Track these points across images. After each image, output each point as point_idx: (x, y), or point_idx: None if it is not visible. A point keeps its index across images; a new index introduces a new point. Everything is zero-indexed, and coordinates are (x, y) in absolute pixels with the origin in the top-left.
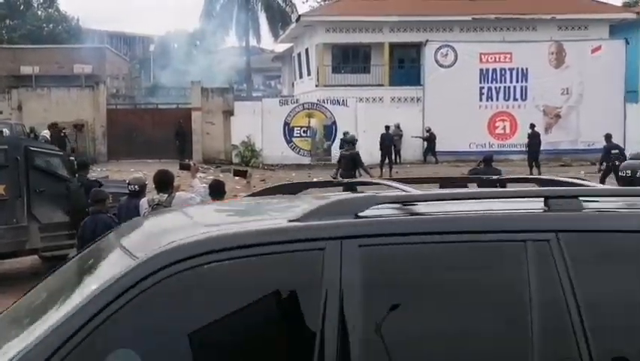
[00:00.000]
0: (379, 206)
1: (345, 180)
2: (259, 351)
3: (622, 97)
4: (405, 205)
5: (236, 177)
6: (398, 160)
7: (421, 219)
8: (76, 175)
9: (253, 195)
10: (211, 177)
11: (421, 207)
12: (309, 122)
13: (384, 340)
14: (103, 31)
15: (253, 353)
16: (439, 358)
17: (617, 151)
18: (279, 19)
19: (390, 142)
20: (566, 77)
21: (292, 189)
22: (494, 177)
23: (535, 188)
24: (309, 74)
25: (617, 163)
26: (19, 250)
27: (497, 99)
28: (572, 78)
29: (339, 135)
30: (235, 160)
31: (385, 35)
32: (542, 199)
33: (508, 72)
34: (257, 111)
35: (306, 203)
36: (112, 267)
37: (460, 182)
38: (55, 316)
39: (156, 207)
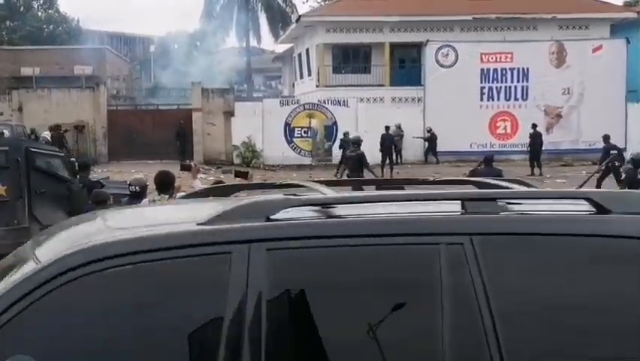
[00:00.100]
0: (294, 209)
1: (278, 183)
2: (160, 357)
3: (623, 97)
4: (319, 208)
5: (237, 178)
6: (399, 160)
7: (331, 223)
8: (78, 176)
9: (187, 196)
10: (212, 178)
11: (336, 210)
12: (309, 123)
13: (291, 346)
14: (103, 32)
15: (154, 359)
16: None
17: (615, 152)
18: (280, 19)
19: (390, 142)
20: (567, 77)
21: (225, 191)
22: (432, 178)
23: (453, 190)
24: (309, 74)
25: (616, 164)
26: None
27: (498, 99)
28: (572, 78)
29: (340, 135)
30: (236, 161)
31: (386, 35)
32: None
33: (509, 72)
34: (257, 112)
35: (220, 206)
36: (17, 273)
37: (397, 184)
38: None
39: None
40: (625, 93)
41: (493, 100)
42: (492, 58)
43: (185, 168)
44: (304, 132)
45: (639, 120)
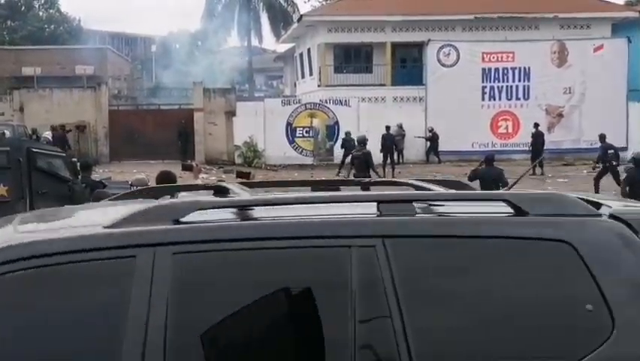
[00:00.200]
0: (207, 211)
1: (213, 184)
2: None
3: (624, 96)
4: (233, 210)
5: (239, 179)
6: (401, 160)
7: (240, 225)
8: (80, 176)
9: (116, 198)
10: (213, 178)
11: (250, 213)
12: (311, 123)
13: (196, 352)
14: (104, 32)
15: None
16: None
17: (612, 151)
18: (281, 19)
19: (391, 142)
20: (569, 76)
21: (158, 193)
22: (368, 179)
23: (371, 192)
24: (311, 74)
25: (613, 163)
26: None
27: (500, 99)
28: (574, 77)
29: (342, 135)
30: (238, 161)
31: (387, 35)
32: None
33: (510, 71)
34: (259, 112)
35: (133, 208)
36: None
37: (333, 185)
38: None
39: None
40: (626, 92)
41: (494, 99)
42: (493, 57)
43: (187, 168)
44: (306, 132)
45: None
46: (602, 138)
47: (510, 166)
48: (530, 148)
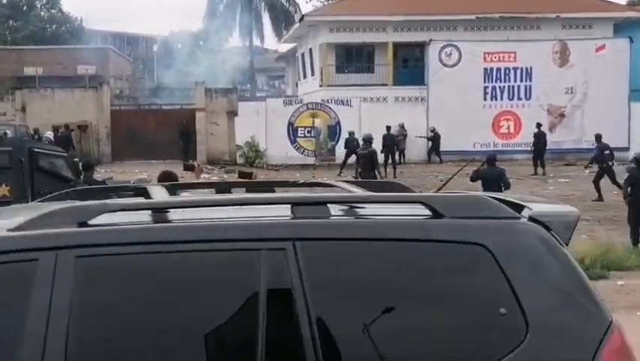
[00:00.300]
0: (115, 214)
1: (134, 185)
2: None
3: (626, 96)
4: (145, 213)
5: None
6: (403, 160)
7: (145, 228)
8: (82, 176)
9: (43, 200)
10: (215, 178)
11: (161, 215)
12: (313, 123)
13: (99, 357)
14: (106, 32)
15: None
16: None
17: (608, 152)
18: (283, 19)
19: (392, 142)
20: (570, 76)
21: (87, 195)
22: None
23: (286, 194)
24: (312, 74)
25: (610, 164)
26: None
27: (501, 98)
28: (576, 77)
29: (344, 135)
30: (239, 161)
31: (389, 35)
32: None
33: (512, 71)
34: (261, 111)
35: (38, 210)
36: None
37: (268, 186)
38: None
39: None
40: (628, 92)
41: (496, 99)
42: (495, 57)
43: (189, 168)
44: (307, 132)
45: None
46: (598, 138)
47: (512, 166)
48: (532, 148)
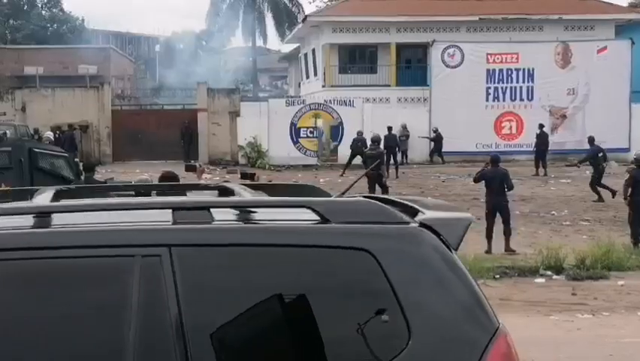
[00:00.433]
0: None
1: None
2: None
3: (627, 97)
4: (24, 217)
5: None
6: (405, 161)
7: (16, 234)
8: (83, 176)
9: None
10: (217, 178)
11: (41, 220)
12: (315, 123)
13: None
14: (107, 32)
15: None
16: None
17: (601, 154)
18: (286, 19)
19: (394, 143)
20: (572, 78)
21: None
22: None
23: (168, 198)
24: (315, 74)
25: (604, 165)
26: None
27: (504, 99)
28: (577, 78)
29: (346, 136)
30: (241, 161)
31: (392, 35)
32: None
33: (514, 72)
34: (263, 112)
35: None
36: None
37: (179, 189)
38: None
39: None
40: (629, 94)
41: (498, 100)
42: (498, 58)
43: (190, 168)
44: (310, 132)
45: None
46: (591, 140)
47: (513, 167)
48: (535, 149)
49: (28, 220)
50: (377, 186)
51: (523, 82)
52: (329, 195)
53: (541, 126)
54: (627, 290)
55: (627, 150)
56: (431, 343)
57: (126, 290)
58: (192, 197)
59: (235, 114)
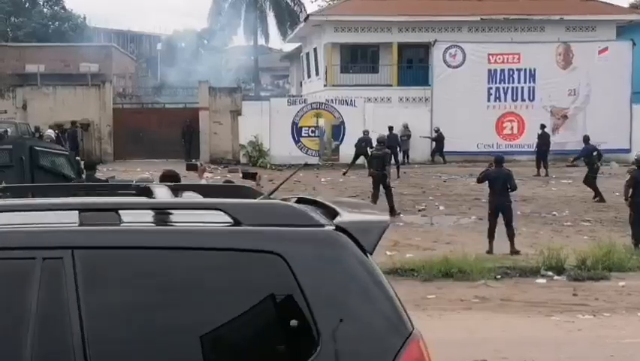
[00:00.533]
0: None
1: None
2: None
3: (628, 98)
4: None
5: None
6: (406, 161)
7: None
8: (84, 174)
9: None
10: (218, 177)
11: None
12: (317, 122)
13: None
14: (109, 30)
15: None
16: None
17: (596, 153)
18: (288, 18)
19: (395, 143)
20: (574, 78)
21: None
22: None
23: (78, 199)
24: (317, 73)
25: (599, 165)
26: None
27: (505, 100)
28: (579, 79)
29: (348, 135)
30: (243, 160)
31: (394, 35)
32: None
33: (516, 73)
34: (265, 111)
35: None
36: None
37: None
38: None
39: None
40: (630, 95)
41: (500, 100)
42: (499, 59)
43: (192, 168)
44: (311, 132)
45: None
46: (586, 139)
47: (514, 167)
48: (536, 149)
49: None
50: (381, 186)
51: (525, 82)
52: (260, 196)
53: (542, 127)
54: (628, 291)
55: (628, 150)
56: (340, 347)
57: (26, 293)
58: (101, 198)
59: (237, 113)
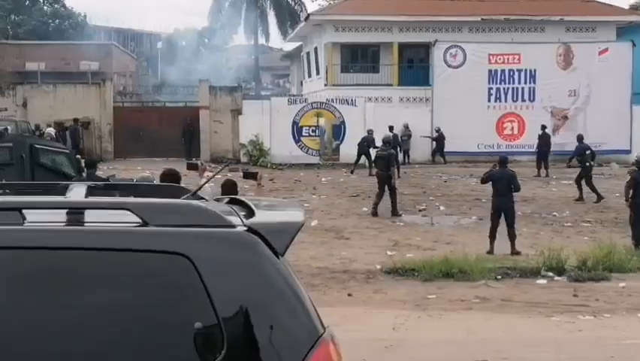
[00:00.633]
0: None
1: None
2: None
3: (629, 99)
4: None
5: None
6: (407, 161)
7: None
8: (85, 172)
9: None
10: (218, 177)
11: None
12: (317, 122)
13: None
14: (109, 28)
15: None
16: None
17: (589, 152)
18: (288, 17)
19: (395, 142)
20: (574, 79)
21: None
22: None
23: None
24: (317, 73)
25: (592, 164)
26: None
27: (505, 100)
28: (579, 80)
29: (348, 135)
30: (243, 159)
31: (394, 35)
32: None
33: (516, 73)
34: (265, 110)
35: None
36: None
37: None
38: None
39: None
40: (630, 95)
41: (500, 101)
42: (500, 59)
43: (192, 167)
44: (312, 131)
45: None
46: (580, 138)
47: (515, 167)
48: (537, 150)
49: None
50: (386, 187)
51: (525, 83)
52: (199, 196)
53: (543, 127)
54: (628, 292)
55: (628, 151)
56: (245, 350)
57: None
58: (5, 197)
59: (237, 112)
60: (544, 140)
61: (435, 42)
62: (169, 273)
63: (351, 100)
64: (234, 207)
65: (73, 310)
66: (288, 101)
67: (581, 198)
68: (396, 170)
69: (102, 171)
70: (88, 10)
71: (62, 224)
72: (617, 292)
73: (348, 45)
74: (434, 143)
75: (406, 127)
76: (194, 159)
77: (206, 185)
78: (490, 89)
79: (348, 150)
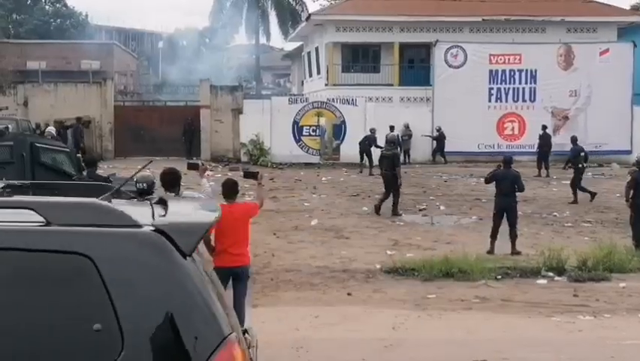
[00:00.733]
0: None
1: None
2: None
3: (630, 100)
4: None
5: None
6: (407, 160)
7: None
8: (85, 171)
9: None
10: (219, 176)
11: None
12: (318, 121)
13: None
14: (111, 27)
15: None
16: None
17: (583, 154)
18: (289, 17)
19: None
20: (575, 79)
21: None
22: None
23: None
24: (318, 72)
25: (585, 165)
26: None
27: (506, 100)
28: (580, 80)
29: (348, 134)
30: (243, 158)
31: (395, 35)
32: None
33: (517, 73)
34: (266, 110)
35: None
36: None
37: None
38: None
39: None
40: (631, 96)
41: (501, 101)
42: (501, 59)
43: (193, 167)
44: (312, 131)
45: None
46: (574, 140)
47: (516, 168)
48: (537, 150)
49: None
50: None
51: (526, 83)
52: (128, 196)
53: (544, 127)
54: (629, 292)
55: (629, 152)
56: (145, 352)
57: None
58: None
59: (238, 112)
60: (544, 140)
61: (436, 42)
62: (69, 273)
63: (352, 100)
64: (157, 206)
65: None
66: (289, 100)
67: (575, 202)
68: (400, 170)
69: (102, 170)
70: (89, 10)
71: None
72: (617, 293)
73: (349, 45)
74: (435, 142)
75: (407, 127)
76: (194, 158)
77: (207, 184)
78: (490, 89)
79: (349, 149)
